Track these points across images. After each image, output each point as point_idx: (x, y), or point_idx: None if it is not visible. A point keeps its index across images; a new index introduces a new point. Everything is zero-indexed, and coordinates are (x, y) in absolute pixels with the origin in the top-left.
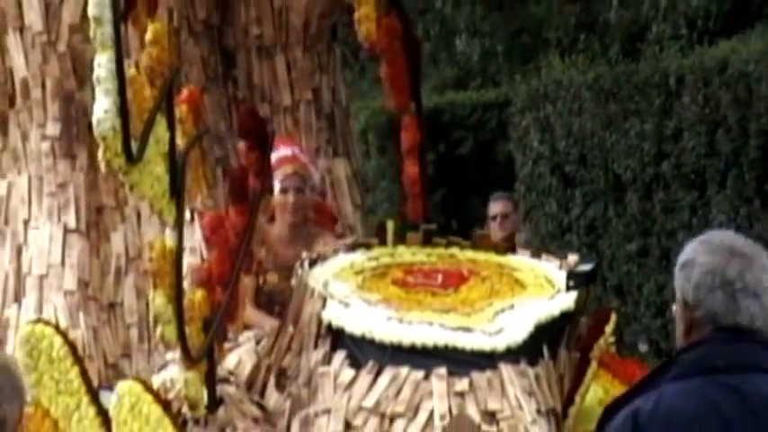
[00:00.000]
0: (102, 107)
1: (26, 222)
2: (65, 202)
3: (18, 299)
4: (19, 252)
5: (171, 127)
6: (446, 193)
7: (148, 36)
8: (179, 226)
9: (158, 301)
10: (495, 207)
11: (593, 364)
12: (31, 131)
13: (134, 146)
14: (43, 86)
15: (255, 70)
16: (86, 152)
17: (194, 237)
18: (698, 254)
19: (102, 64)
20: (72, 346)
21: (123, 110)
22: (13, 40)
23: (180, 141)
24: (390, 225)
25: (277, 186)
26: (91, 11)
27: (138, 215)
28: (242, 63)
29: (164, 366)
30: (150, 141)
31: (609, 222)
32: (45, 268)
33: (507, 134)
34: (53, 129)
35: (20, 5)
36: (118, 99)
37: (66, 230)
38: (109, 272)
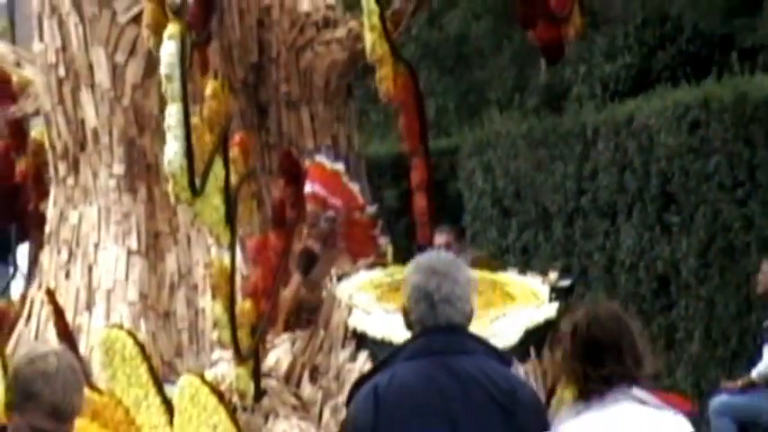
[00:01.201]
0: (172, 150)
1: (96, 245)
2: (128, 228)
3: (89, 308)
4: (89, 270)
5: (226, 166)
6: (407, 222)
7: (208, 91)
8: (232, 248)
9: (217, 309)
10: (440, 238)
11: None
12: (100, 171)
13: (197, 181)
14: (110, 134)
15: (284, 121)
16: (145, 187)
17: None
18: (411, 273)
19: (173, 114)
20: (141, 346)
21: (189, 152)
22: (85, 96)
23: (233, 178)
24: (388, 249)
25: None
26: (163, 70)
27: (188, 239)
28: (273, 115)
29: (214, 363)
30: (209, 178)
31: (538, 246)
32: (112, 283)
33: (457, 175)
34: (118, 168)
35: (91, 67)
36: (184, 143)
37: (129, 252)
38: (164, 286)
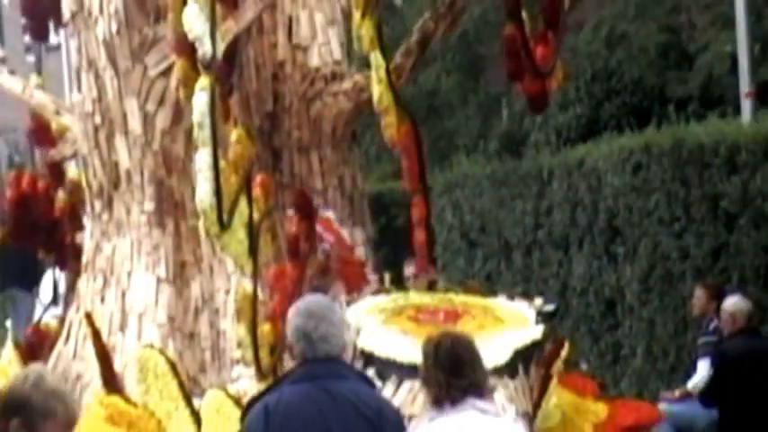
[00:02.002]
0: (203, 189)
1: (129, 274)
2: (157, 259)
3: (122, 329)
4: (123, 295)
5: (249, 204)
6: (386, 253)
7: (233, 138)
8: (255, 277)
9: (241, 331)
10: (408, 269)
11: (554, 379)
12: (132, 207)
13: (225, 217)
14: (141, 175)
15: (296, 163)
16: (173, 222)
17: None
18: (292, 316)
19: (203, 158)
20: (172, 363)
21: (217, 191)
22: (119, 141)
23: (255, 215)
24: (387, 277)
25: None
26: (195, 117)
27: (211, 268)
28: (286, 158)
29: (236, 379)
30: (235, 214)
31: (501, 273)
32: (143, 307)
33: (429, 211)
34: (149, 205)
35: (124, 115)
36: (214, 184)
37: (159, 280)
38: (189, 310)
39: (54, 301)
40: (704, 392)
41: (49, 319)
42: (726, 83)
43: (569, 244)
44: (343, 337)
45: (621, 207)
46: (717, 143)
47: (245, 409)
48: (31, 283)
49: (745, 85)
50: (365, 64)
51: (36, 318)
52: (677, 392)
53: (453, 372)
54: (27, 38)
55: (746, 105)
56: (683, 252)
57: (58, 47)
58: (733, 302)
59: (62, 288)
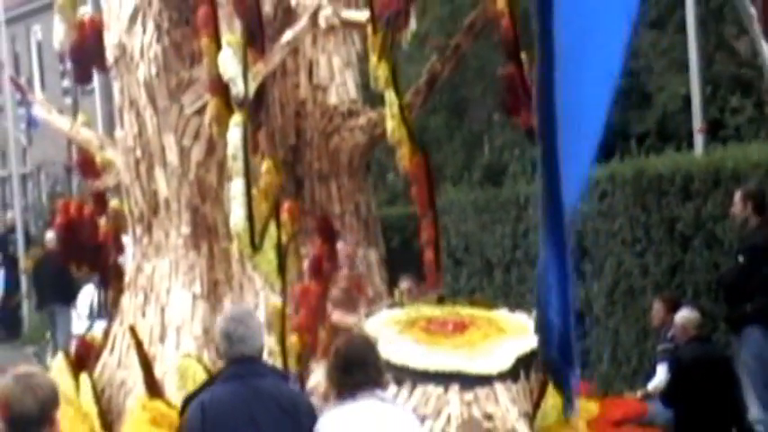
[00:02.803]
0: (237, 215)
1: (168, 291)
2: (193, 278)
3: (162, 341)
4: (162, 310)
5: (278, 228)
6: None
7: (264, 167)
8: (284, 293)
9: (271, 342)
10: (402, 284)
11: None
12: (170, 232)
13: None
14: (178, 202)
15: (316, 191)
16: (207, 245)
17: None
18: (219, 321)
19: (237, 186)
20: (209, 371)
21: (250, 217)
22: (158, 172)
23: (283, 238)
24: (397, 294)
25: None
26: (230, 150)
27: (241, 286)
28: (308, 186)
29: None
30: (266, 237)
31: (483, 289)
32: (180, 321)
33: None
34: (185, 230)
35: (163, 149)
36: (247, 210)
37: (194, 296)
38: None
39: (90, 314)
40: (664, 393)
41: (93, 331)
42: (680, 120)
43: None
44: (260, 340)
45: (589, 230)
46: (673, 173)
47: (184, 405)
48: (69, 298)
49: (697, 121)
50: (379, 101)
51: (74, 330)
52: (639, 393)
53: (345, 372)
54: (65, 82)
55: (699, 140)
56: (644, 269)
57: (92, 90)
58: (683, 315)
59: (95, 302)
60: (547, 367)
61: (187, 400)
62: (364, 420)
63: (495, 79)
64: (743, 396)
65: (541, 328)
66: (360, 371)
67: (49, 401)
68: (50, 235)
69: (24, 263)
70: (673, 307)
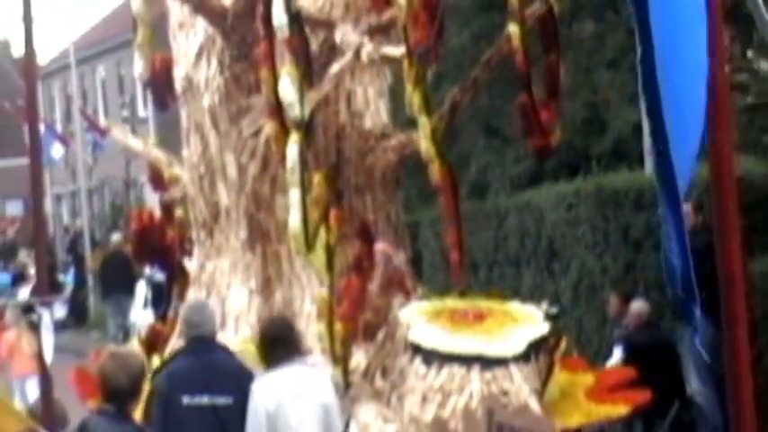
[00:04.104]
0: (294, 220)
1: (227, 286)
2: (249, 275)
3: (222, 328)
4: (222, 303)
5: (327, 231)
6: None
7: (315, 181)
8: (331, 287)
9: (320, 328)
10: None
11: (557, 364)
12: (229, 236)
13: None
14: (237, 211)
15: (354, 202)
16: (261, 248)
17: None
18: (182, 310)
19: (294, 196)
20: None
21: (304, 222)
22: (220, 186)
23: (331, 240)
24: (420, 291)
25: None
26: (288, 165)
27: (289, 282)
28: (346, 198)
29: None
30: (317, 239)
31: (470, 286)
32: (238, 312)
33: (418, 239)
34: (243, 234)
35: (224, 166)
36: (302, 215)
37: (250, 291)
38: (273, 314)
39: (144, 304)
40: None
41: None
42: (632, 143)
43: (520, 263)
44: (212, 324)
45: (558, 236)
46: (627, 189)
47: (155, 374)
48: (129, 290)
49: (647, 144)
50: (407, 125)
51: (132, 317)
52: None
53: (269, 347)
54: (124, 112)
55: (648, 160)
56: (603, 268)
57: (146, 120)
58: (636, 306)
59: (148, 295)
60: (675, 306)
61: (157, 370)
62: (285, 380)
63: (480, 109)
64: (685, 373)
65: (667, 271)
66: (281, 346)
67: (139, 377)
68: (115, 237)
69: (90, 262)
70: (627, 300)
